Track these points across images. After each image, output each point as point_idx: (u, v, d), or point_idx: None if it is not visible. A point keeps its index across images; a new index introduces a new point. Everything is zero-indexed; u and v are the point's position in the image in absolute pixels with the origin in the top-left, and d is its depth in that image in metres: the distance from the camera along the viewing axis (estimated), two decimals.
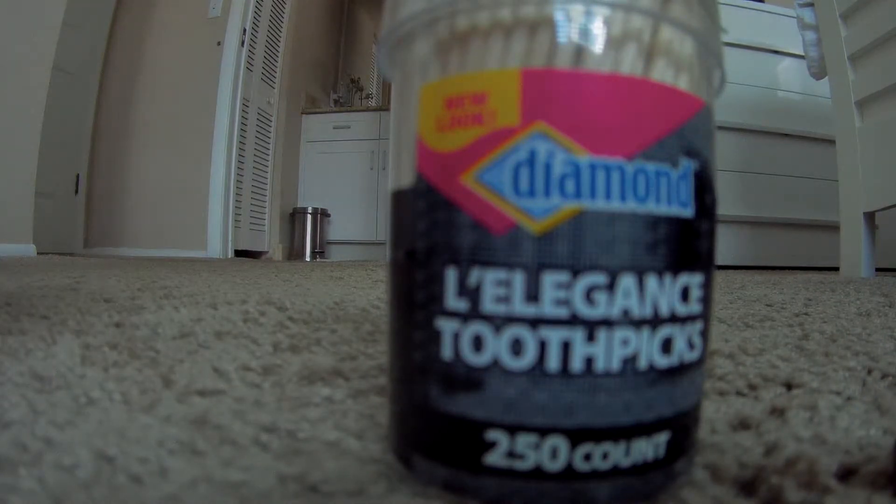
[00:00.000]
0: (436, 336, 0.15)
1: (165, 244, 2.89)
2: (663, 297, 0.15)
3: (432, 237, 0.15)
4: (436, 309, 0.15)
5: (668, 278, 0.15)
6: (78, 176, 2.93)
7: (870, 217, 1.62)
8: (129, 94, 3.02)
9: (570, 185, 0.13)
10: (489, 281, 0.14)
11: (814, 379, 0.34)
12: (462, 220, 0.14)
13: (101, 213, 3.00)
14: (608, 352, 0.14)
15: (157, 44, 3.03)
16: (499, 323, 0.14)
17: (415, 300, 0.15)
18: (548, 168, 0.13)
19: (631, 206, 0.14)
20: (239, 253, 2.99)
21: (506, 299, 0.14)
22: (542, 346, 0.14)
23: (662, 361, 0.15)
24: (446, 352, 0.15)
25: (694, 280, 0.15)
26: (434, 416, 0.15)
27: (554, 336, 0.14)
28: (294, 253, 3.48)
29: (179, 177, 2.91)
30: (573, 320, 0.14)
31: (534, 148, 0.14)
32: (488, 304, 0.14)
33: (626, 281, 0.14)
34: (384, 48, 0.17)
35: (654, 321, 0.14)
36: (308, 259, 3.40)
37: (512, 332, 0.14)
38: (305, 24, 3.59)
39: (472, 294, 0.14)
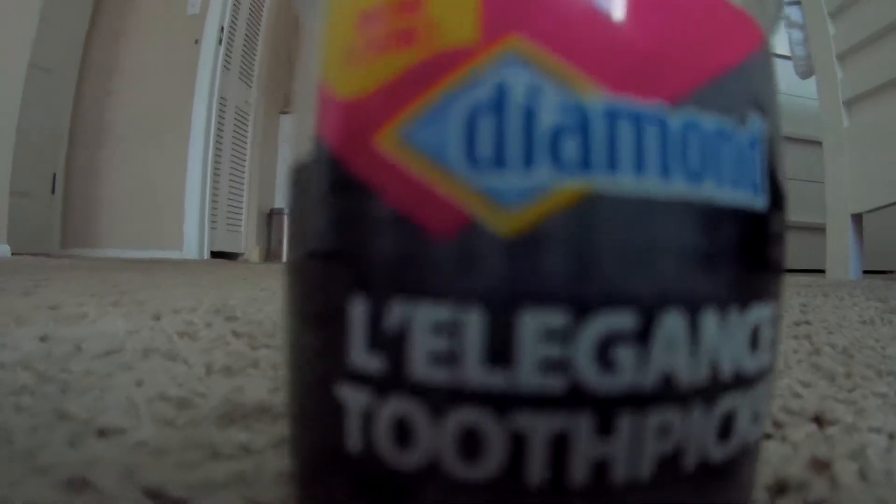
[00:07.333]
0: (335, 412, 0.09)
1: (142, 245, 2.84)
2: (727, 347, 0.08)
3: (330, 243, 0.09)
4: (335, 368, 0.08)
5: (734, 314, 0.08)
6: (55, 175, 2.87)
7: (857, 219, 1.60)
8: (107, 93, 2.97)
9: (570, 148, 0.07)
10: (422, 324, 0.08)
11: (846, 411, 0.29)
12: (376, 211, 0.08)
13: (78, 214, 2.93)
14: (634, 450, 0.08)
15: (136, 42, 2.99)
16: (440, 399, 0.08)
17: (306, 350, 0.09)
18: (530, 116, 0.07)
19: (678, 187, 0.08)
20: (216, 254, 2.93)
21: (451, 358, 0.08)
22: (517, 443, 0.07)
23: (718, 453, 0.09)
24: (353, 441, 0.08)
25: (765, 314, 0.09)
26: None
27: (539, 427, 0.07)
28: (272, 254, 3.40)
29: (156, 177, 2.88)
30: (574, 398, 0.07)
31: (504, 81, 0.07)
32: (421, 367, 0.08)
33: (670, 323, 0.08)
34: None
35: (712, 389, 0.08)
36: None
37: (463, 416, 0.08)
38: (285, 21, 3.53)
39: (392, 346, 0.08)
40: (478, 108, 0.07)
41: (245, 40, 3.18)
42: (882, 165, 1.48)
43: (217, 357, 0.37)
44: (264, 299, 0.76)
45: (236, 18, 3.06)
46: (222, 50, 2.92)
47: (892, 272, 2.18)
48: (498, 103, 0.07)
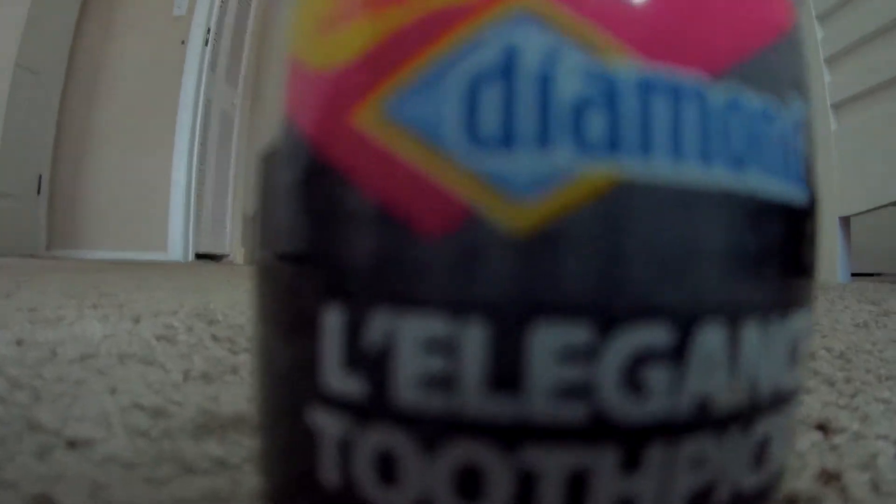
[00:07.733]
0: (307, 440, 0.07)
1: (128, 246, 2.84)
2: (766, 362, 0.07)
3: (300, 242, 0.07)
4: (306, 389, 0.07)
5: (775, 324, 0.07)
6: (40, 176, 2.85)
7: (846, 222, 1.60)
8: (94, 94, 2.96)
9: (595, 126, 0.06)
10: (411, 339, 0.06)
11: (851, 418, 0.28)
12: (354, 203, 0.07)
13: (64, 215, 2.92)
14: (664, 486, 0.06)
15: (122, 43, 2.98)
16: (432, 430, 0.06)
17: (276, 366, 0.08)
18: (545, 84, 0.06)
19: (720, 175, 0.06)
20: (200, 256, 2.91)
21: (447, 381, 0.06)
22: (527, 482, 0.06)
23: (752, 482, 0.08)
24: (328, 474, 0.07)
25: (803, 323, 0.08)
26: None
27: (554, 463, 0.06)
28: None
29: (142, 178, 2.87)
30: (597, 429, 0.06)
31: (513, 43, 0.06)
32: (409, 391, 0.06)
33: (709, 337, 0.06)
34: None
35: (750, 412, 0.07)
36: None
37: (461, 451, 0.06)
38: (271, 23, 3.52)
39: (374, 365, 0.06)
40: (481, 74, 0.06)
41: (231, 42, 3.18)
42: (870, 168, 1.48)
43: (196, 362, 0.36)
44: (247, 302, 0.75)
45: (223, 20, 3.06)
46: (208, 51, 2.90)
47: (880, 275, 2.19)
48: (506, 68, 0.06)
